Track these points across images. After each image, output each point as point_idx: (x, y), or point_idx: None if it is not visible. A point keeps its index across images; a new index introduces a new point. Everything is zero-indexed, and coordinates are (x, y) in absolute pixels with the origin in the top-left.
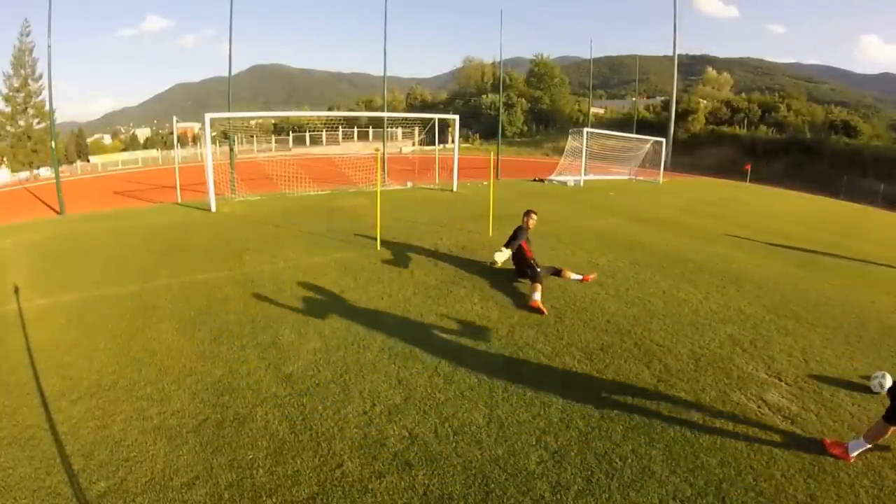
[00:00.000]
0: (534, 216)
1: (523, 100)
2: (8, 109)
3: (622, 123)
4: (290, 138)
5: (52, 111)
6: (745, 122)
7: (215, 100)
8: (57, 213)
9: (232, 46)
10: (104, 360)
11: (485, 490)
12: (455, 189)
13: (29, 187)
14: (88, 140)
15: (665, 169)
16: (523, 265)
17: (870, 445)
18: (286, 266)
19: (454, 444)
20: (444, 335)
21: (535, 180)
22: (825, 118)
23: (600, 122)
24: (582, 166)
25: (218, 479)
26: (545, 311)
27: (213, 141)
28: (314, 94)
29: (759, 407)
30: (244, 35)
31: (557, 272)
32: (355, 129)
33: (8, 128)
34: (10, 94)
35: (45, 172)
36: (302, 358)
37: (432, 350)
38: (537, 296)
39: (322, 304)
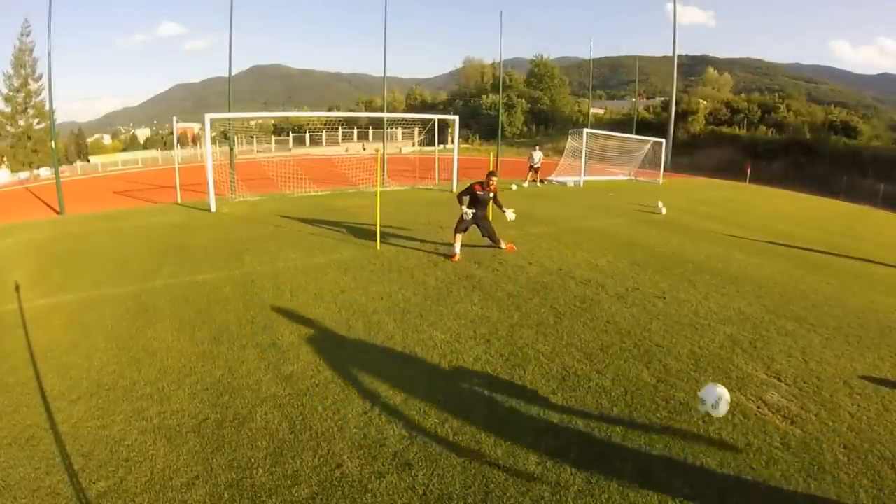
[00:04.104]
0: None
1: (523, 100)
2: (8, 109)
3: (622, 124)
4: (290, 139)
5: (52, 111)
6: (745, 122)
7: (215, 100)
8: (57, 213)
9: (232, 47)
10: (104, 360)
11: (485, 490)
12: (455, 189)
13: (29, 187)
14: (88, 140)
15: (665, 169)
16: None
17: None
18: (286, 266)
19: (454, 444)
20: (444, 335)
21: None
22: (825, 118)
23: (600, 123)
24: (582, 167)
25: (218, 479)
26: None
27: (213, 141)
28: (314, 94)
29: (758, 407)
30: (244, 35)
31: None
32: (355, 130)
33: (8, 128)
34: (11, 94)
35: (45, 172)
36: (302, 358)
37: (432, 350)
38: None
39: (322, 304)
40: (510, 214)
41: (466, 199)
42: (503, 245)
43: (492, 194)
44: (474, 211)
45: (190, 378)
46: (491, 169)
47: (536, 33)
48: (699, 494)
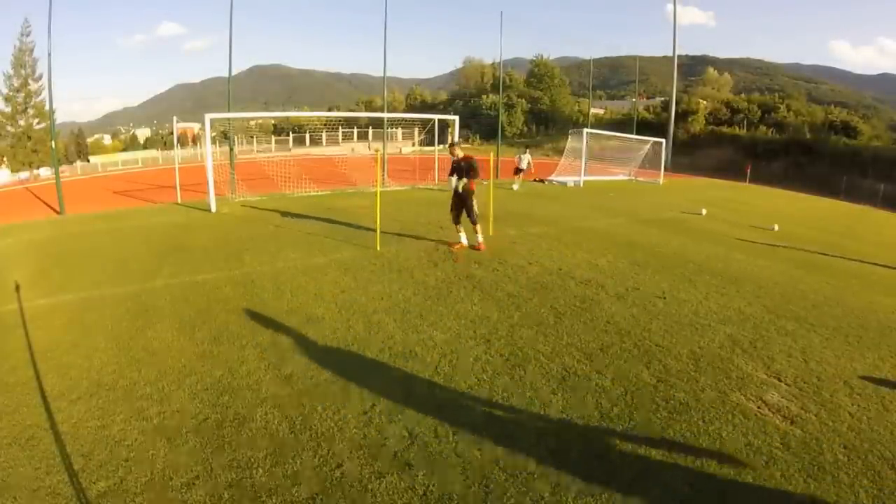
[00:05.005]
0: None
1: (523, 100)
2: (8, 109)
3: (622, 124)
4: (290, 139)
5: (52, 111)
6: (745, 122)
7: (215, 100)
8: (57, 213)
9: (232, 47)
10: (104, 360)
11: (485, 490)
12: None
13: (29, 187)
14: (88, 140)
15: (665, 169)
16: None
17: None
18: (286, 266)
19: (454, 444)
20: (444, 335)
21: (535, 181)
22: (825, 118)
23: (600, 123)
24: (582, 167)
25: (218, 479)
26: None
27: (213, 141)
28: (314, 94)
29: (758, 407)
30: (244, 35)
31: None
32: (355, 130)
33: (8, 128)
34: (11, 94)
35: (45, 172)
36: (302, 358)
37: (432, 350)
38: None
39: (322, 304)
40: (454, 182)
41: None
42: (479, 237)
43: (464, 163)
44: (455, 180)
45: (190, 378)
46: (452, 141)
47: (536, 33)
48: (699, 494)
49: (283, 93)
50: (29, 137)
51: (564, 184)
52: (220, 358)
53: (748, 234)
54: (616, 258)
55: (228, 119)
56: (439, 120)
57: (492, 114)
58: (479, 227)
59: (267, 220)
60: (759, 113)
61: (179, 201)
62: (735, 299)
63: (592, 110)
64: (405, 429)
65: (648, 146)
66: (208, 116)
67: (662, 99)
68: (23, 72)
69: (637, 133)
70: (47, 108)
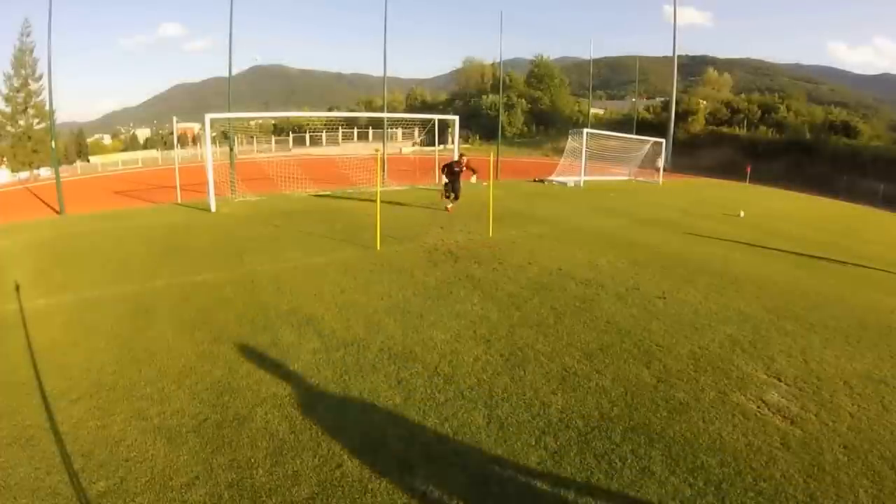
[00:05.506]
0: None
1: (523, 100)
2: (8, 109)
3: (622, 124)
4: (290, 139)
5: (52, 111)
6: (745, 122)
7: (215, 100)
8: (57, 213)
9: (232, 47)
10: (104, 360)
11: (485, 490)
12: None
13: (29, 187)
14: (88, 140)
15: (665, 169)
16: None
17: None
18: (286, 266)
19: (454, 444)
20: (444, 335)
21: (534, 181)
22: (825, 119)
23: (600, 123)
24: (582, 167)
25: (218, 479)
26: (449, 210)
27: (213, 141)
28: (314, 94)
29: (758, 407)
30: (244, 35)
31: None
32: (355, 130)
33: (8, 128)
34: (11, 94)
35: (45, 172)
36: (302, 358)
37: (432, 350)
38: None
39: (322, 304)
40: (473, 179)
41: (445, 170)
42: (450, 205)
43: (460, 168)
44: (447, 182)
45: (190, 378)
46: (461, 153)
47: (536, 33)
48: (699, 494)
49: (283, 93)
50: (29, 137)
51: (564, 184)
52: (220, 358)
53: (748, 233)
54: (616, 258)
55: (228, 119)
56: (439, 120)
57: (492, 114)
58: (454, 203)
59: (267, 220)
60: (759, 113)
61: (179, 201)
62: (735, 299)
63: (592, 110)
64: (405, 429)
65: (648, 146)
66: (208, 116)
67: (662, 99)
68: (23, 72)
69: (637, 133)
70: (47, 108)
